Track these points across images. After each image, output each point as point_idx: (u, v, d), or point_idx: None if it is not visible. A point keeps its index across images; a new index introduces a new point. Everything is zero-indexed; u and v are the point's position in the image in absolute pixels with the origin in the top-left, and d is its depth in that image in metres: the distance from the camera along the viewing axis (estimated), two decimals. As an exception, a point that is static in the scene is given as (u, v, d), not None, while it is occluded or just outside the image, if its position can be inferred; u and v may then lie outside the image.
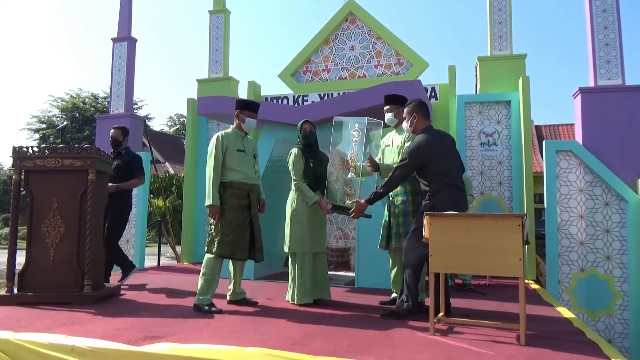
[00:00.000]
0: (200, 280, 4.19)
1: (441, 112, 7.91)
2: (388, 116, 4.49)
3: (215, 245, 4.17)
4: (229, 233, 4.18)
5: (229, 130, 4.47)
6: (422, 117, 4.05)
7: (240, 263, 4.43)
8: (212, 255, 4.20)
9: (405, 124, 4.16)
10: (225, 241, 4.16)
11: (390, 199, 4.41)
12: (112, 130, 5.65)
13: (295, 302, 4.40)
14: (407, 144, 4.19)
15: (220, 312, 4.03)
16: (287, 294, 4.55)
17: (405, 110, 4.15)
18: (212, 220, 4.27)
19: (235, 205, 4.25)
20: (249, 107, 4.46)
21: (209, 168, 4.26)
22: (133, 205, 7.90)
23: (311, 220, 4.52)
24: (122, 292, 4.98)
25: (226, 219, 4.20)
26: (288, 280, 4.58)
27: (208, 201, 4.20)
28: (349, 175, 4.37)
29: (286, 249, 4.56)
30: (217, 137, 4.36)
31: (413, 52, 8.33)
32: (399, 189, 4.28)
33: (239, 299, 4.41)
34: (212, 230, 4.25)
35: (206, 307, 4.07)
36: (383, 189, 3.96)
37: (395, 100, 4.49)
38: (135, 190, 7.98)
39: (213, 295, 4.19)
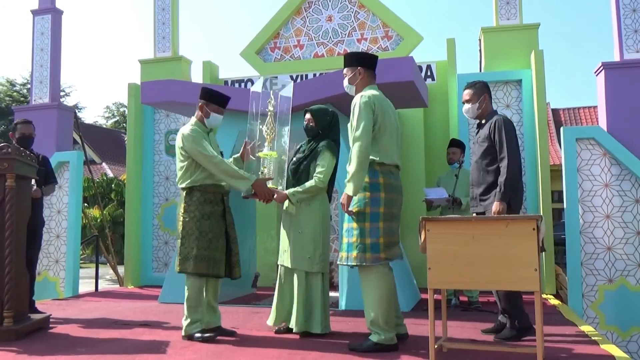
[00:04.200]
0: (184, 306, 4.27)
1: (439, 94, 8.02)
2: (344, 82, 4.14)
3: (192, 262, 4.19)
4: (205, 246, 4.23)
5: (192, 124, 4.41)
6: (490, 99, 4.44)
7: (214, 281, 4.43)
8: (191, 276, 4.23)
9: (469, 107, 4.39)
10: (202, 256, 4.21)
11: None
12: (20, 126, 5.43)
13: (321, 332, 4.31)
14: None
15: (213, 339, 4.15)
16: (295, 322, 4.32)
17: (472, 92, 4.36)
18: (181, 231, 4.27)
19: (209, 212, 4.31)
20: (217, 101, 4.46)
21: (207, 161, 4.21)
22: (63, 217, 7.89)
23: (326, 228, 4.53)
24: (51, 324, 4.93)
25: (201, 229, 4.25)
26: (296, 305, 4.34)
27: (245, 184, 4.26)
28: (264, 151, 4.49)
29: (314, 268, 4.34)
30: (191, 133, 4.32)
31: (404, 23, 8.41)
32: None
33: (212, 328, 4.38)
34: (185, 244, 4.26)
35: (197, 335, 4.18)
36: (505, 183, 4.10)
37: (356, 60, 4.04)
38: (64, 199, 7.92)
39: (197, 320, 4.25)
